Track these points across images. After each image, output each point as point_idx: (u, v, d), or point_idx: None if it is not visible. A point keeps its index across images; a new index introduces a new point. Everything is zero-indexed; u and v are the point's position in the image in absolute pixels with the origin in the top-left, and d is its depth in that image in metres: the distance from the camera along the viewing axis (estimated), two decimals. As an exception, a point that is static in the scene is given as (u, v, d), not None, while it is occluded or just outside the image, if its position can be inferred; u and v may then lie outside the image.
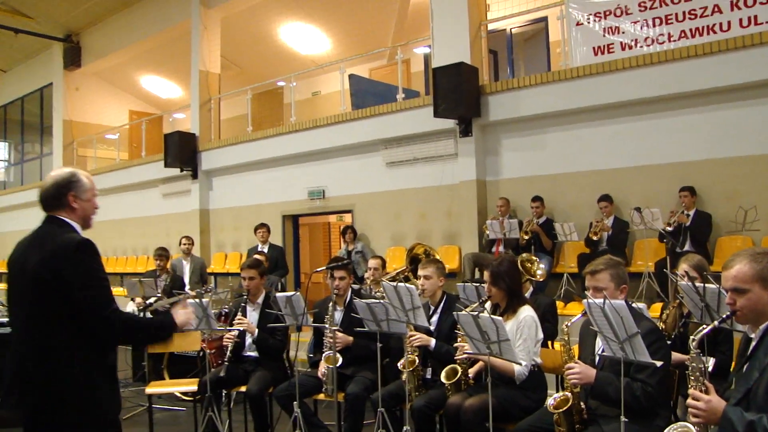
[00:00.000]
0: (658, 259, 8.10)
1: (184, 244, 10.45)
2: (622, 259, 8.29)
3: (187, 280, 9.93)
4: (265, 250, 10.59)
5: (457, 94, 9.51)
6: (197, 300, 5.55)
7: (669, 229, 7.99)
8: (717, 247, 8.10)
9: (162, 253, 9.25)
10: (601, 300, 3.15)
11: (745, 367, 2.85)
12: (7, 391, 3.00)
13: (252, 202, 13.65)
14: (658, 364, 3.16)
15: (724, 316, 2.91)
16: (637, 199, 8.59)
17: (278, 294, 5.31)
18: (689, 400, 2.80)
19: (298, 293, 5.17)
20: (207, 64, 14.99)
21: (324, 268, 5.62)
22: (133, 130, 18.98)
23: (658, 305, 6.83)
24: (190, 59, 15.13)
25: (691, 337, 2.87)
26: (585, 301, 3.30)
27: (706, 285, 3.68)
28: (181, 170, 14.59)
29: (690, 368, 2.85)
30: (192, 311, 3.31)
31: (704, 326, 2.89)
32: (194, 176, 14.62)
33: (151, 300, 8.21)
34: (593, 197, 8.88)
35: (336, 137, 11.91)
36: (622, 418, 3.20)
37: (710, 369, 3.79)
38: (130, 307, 8.85)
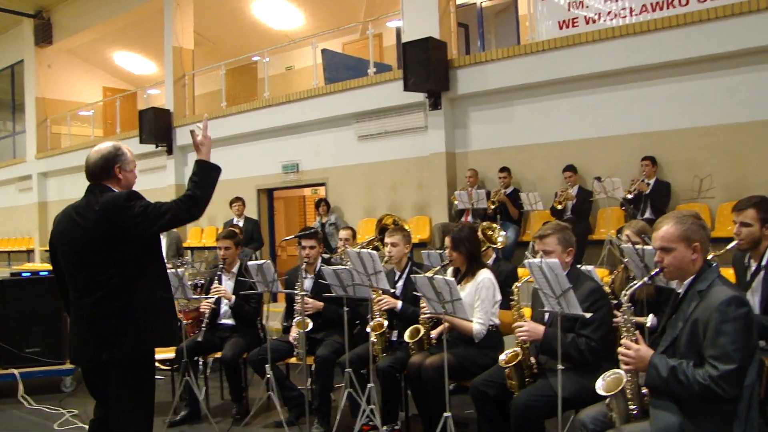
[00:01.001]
0: (620, 227, 8.39)
1: (160, 219, 10.57)
2: (586, 226, 8.67)
3: (163, 254, 10.08)
4: (241, 223, 10.77)
5: (426, 68, 9.73)
6: (174, 270, 5.76)
7: (629, 196, 8.29)
8: (676, 215, 8.39)
9: (137, 228, 9.36)
10: (538, 260, 3.43)
11: (672, 318, 3.13)
12: (83, 346, 3.40)
13: (227, 177, 13.38)
14: (588, 315, 3.45)
15: (653, 273, 3.17)
16: (601, 169, 8.86)
17: (249, 263, 5.52)
18: (620, 349, 3.08)
19: (268, 261, 5.39)
20: (180, 40, 15.03)
21: (292, 237, 5.84)
22: (108, 106, 18.99)
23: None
24: (164, 35, 15.15)
25: (623, 291, 3.15)
26: (525, 261, 3.56)
27: (645, 247, 3.95)
28: (156, 146, 14.69)
29: (622, 320, 3.13)
30: (206, 135, 3.54)
31: (634, 282, 3.16)
32: (169, 152, 14.73)
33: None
34: (558, 168, 9.16)
35: (309, 112, 12.09)
36: (559, 366, 3.47)
37: (648, 324, 4.06)
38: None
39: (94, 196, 3.40)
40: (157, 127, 14.31)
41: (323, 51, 12.82)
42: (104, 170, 3.44)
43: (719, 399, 2.80)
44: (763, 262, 4.06)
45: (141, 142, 14.49)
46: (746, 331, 2.84)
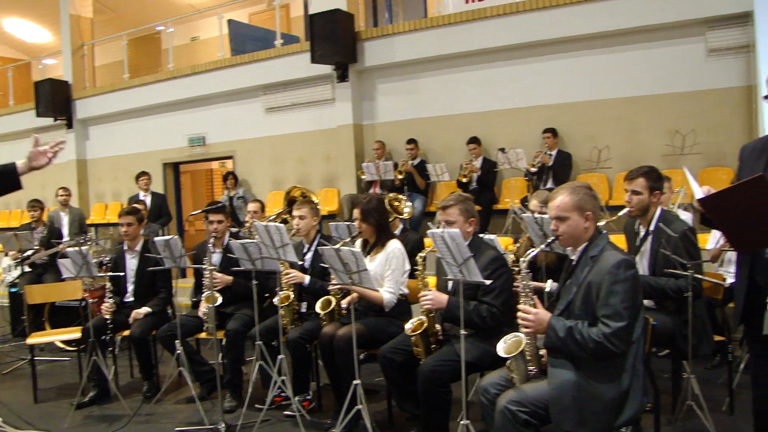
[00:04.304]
0: (524, 196, 8.67)
1: (61, 196, 10.22)
2: (491, 196, 8.92)
3: (66, 231, 9.79)
4: (147, 198, 10.53)
5: (334, 40, 9.73)
6: (77, 248, 5.62)
7: (533, 170, 8.56)
8: (576, 184, 8.75)
9: (35, 205, 8.99)
10: (440, 230, 3.54)
11: (567, 283, 3.30)
12: None
13: (131, 151, 13.43)
14: (487, 282, 3.61)
15: (549, 240, 3.33)
16: (505, 140, 9.12)
17: (156, 238, 5.44)
18: (519, 314, 3.23)
19: (176, 237, 5.32)
20: (78, 7, 14.42)
21: (200, 211, 5.78)
22: (-1, 77, 18.06)
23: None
24: (59, 2, 14.50)
25: (521, 258, 3.29)
26: (428, 231, 3.67)
27: (543, 216, 4.12)
28: (55, 119, 14.14)
29: (521, 286, 3.28)
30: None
31: (532, 250, 3.31)
32: (69, 125, 14.19)
33: (29, 252, 8.14)
34: (464, 139, 9.36)
35: (215, 84, 11.91)
36: (462, 332, 3.61)
37: (548, 289, 4.27)
38: (5, 262, 8.69)
39: None
40: (55, 99, 13.75)
41: (229, 21, 12.60)
42: None
43: (611, 354, 2.99)
44: (651, 228, 4.32)
45: (38, 115, 13.91)
46: (633, 291, 3.04)
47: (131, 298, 6.07)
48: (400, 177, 9.27)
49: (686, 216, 5.85)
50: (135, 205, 7.38)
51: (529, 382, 3.24)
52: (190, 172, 15.42)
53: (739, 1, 7.72)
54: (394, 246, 4.83)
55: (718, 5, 7.99)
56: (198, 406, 5.24)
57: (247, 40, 12.50)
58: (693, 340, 4.08)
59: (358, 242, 5.05)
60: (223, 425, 4.90)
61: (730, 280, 5.00)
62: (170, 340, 5.47)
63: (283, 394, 5.14)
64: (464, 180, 9.03)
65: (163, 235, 6.76)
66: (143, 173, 10.77)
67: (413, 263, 5.00)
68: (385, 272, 4.75)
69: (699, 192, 2.94)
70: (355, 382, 4.26)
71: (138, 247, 6.09)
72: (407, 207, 6.25)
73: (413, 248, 5.71)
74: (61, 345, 7.63)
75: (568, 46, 8.96)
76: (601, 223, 4.24)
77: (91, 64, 14.66)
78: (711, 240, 5.70)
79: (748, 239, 2.72)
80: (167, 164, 13.09)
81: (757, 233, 2.56)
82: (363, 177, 9.62)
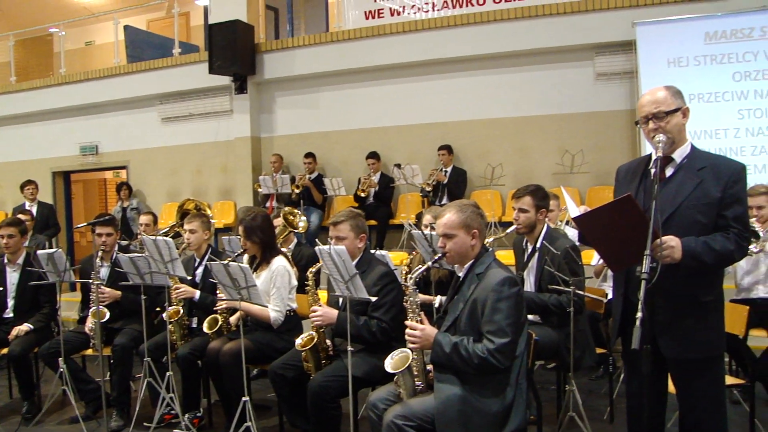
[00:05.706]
0: (419, 212, 8.81)
1: (-63, 204, 9.68)
2: (388, 211, 9.02)
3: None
4: (34, 208, 10.07)
5: (233, 51, 9.66)
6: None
7: (428, 189, 8.70)
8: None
9: None
10: (327, 246, 3.56)
11: (454, 299, 3.37)
12: None
13: (18, 158, 12.83)
14: (373, 299, 3.67)
15: (436, 257, 3.40)
16: (402, 156, 9.28)
17: (39, 251, 5.21)
18: (406, 330, 3.28)
19: (59, 250, 5.12)
20: (-44, 3, 13.73)
21: (85, 224, 5.58)
22: None
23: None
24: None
25: (409, 275, 3.35)
26: (316, 248, 3.68)
27: (432, 233, 4.21)
28: (-69, 122, 13.33)
29: (408, 302, 3.33)
30: None
31: (419, 267, 3.37)
32: (-53, 130, 13.42)
33: None
34: (362, 154, 9.47)
35: (110, 91, 11.58)
36: (349, 348, 3.63)
37: (437, 305, 4.35)
38: None
39: None
40: (-69, 101, 12.96)
41: (126, 27, 12.26)
42: None
43: (495, 369, 3.07)
44: (538, 245, 4.46)
45: None
46: (517, 308, 3.14)
47: (11, 315, 5.78)
48: (297, 191, 9.25)
49: (573, 233, 6.07)
50: (20, 215, 7.07)
51: (416, 396, 3.30)
52: (82, 181, 14.87)
53: (623, 30, 8.18)
54: (279, 264, 4.80)
55: (605, 33, 8.43)
56: (82, 426, 5.06)
57: (145, 48, 12.20)
58: (576, 352, 4.24)
59: (245, 258, 4.99)
60: (109, 445, 4.75)
61: (611, 295, 5.22)
62: (53, 358, 5.25)
63: (172, 412, 5.02)
64: (362, 195, 9.11)
65: (51, 247, 6.50)
66: (29, 182, 10.30)
67: (306, 278, 5.01)
68: (270, 290, 4.73)
69: (575, 210, 3.06)
70: (244, 398, 4.21)
71: (20, 261, 5.81)
72: (302, 221, 6.24)
73: (307, 263, 5.68)
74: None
75: (464, 66, 9.21)
76: (490, 240, 4.40)
77: (-28, 64, 13.95)
78: (596, 256, 5.94)
79: (620, 257, 2.83)
80: (57, 173, 12.57)
81: (627, 251, 2.67)
82: (260, 190, 9.55)
